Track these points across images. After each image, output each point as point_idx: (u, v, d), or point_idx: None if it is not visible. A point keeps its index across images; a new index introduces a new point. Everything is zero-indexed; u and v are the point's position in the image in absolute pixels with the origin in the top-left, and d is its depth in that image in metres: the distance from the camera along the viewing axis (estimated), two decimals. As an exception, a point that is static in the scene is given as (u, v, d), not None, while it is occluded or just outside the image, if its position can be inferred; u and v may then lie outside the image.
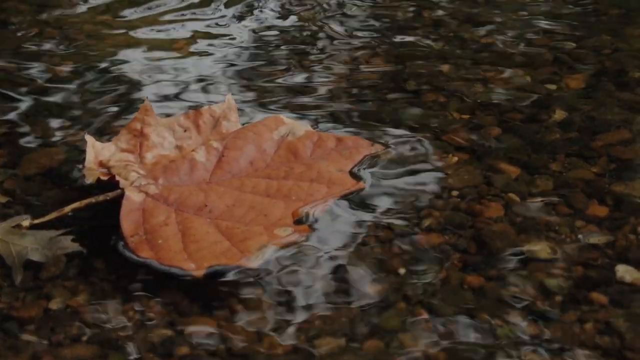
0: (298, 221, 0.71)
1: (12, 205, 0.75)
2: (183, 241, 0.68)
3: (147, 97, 0.87)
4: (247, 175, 0.76)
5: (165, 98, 0.92)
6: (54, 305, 0.64)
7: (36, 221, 0.72)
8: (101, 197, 0.73)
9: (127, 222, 0.70)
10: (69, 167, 0.80)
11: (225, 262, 0.66)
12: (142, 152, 0.79)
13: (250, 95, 0.92)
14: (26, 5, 1.18)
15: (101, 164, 0.77)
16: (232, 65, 0.99)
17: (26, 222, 0.72)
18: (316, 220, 0.72)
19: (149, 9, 1.16)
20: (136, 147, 0.79)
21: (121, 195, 0.72)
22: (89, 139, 0.79)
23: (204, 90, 0.94)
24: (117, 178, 0.74)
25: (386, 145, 0.81)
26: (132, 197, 0.72)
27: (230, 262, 0.66)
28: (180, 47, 1.04)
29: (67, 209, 0.72)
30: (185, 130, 0.81)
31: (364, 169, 0.78)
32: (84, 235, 0.70)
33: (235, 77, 0.97)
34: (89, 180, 0.76)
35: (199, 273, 0.65)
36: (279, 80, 0.95)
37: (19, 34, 1.09)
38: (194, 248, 0.67)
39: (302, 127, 0.81)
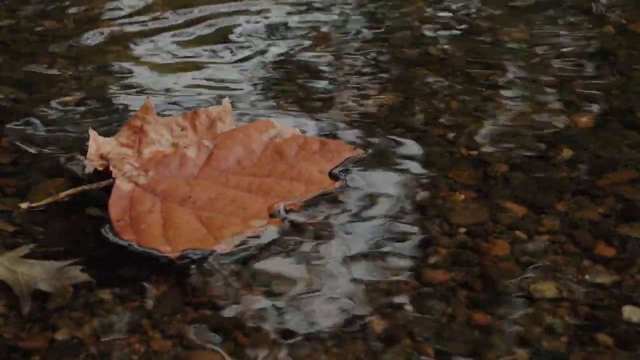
0: (273, 215, 0.76)
1: (19, 234, 0.75)
2: (164, 227, 0.74)
3: (148, 97, 0.92)
4: (233, 172, 0.81)
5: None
6: (60, 336, 0.64)
7: (33, 204, 0.77)
8: (94, 185, 0.80)
9: (115, 208, 0.75)
10: (78, 196, 0.80)
11: (200, 246, 0.71)
12: (140, 147, 0.84)
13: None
14: (36, 35, 1.19)
15: (101, 157, 0.83)
16: (238, 92, 1.00)
17: (24, 205, 0.77)
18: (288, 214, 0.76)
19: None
20: (135, 143, 0.84)
21: (113, 184, 0.78)
22: (92, 133, 0.85)
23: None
24: (111, 168, 0.80)
25: (366, 150, 0.86)
26: (122, 185, 0.78)
27: (204, 247, 0.71)
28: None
29: (63, 194, 0.79)
30: (182, 129, 0.86)
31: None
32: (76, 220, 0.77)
33: (239, 105, 0.97)
34: (88, 170, 0.82)
35: (174, 255, 0.70)
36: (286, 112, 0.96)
37: (29, 64, 1.10)
38: (173, 234, 0.73)
39: (290, 130, 0.86)
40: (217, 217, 0.75)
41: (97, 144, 0.84)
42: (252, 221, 0.75)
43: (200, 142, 0.83)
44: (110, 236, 0.73)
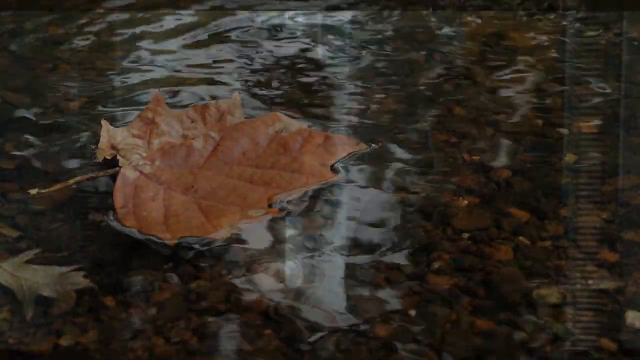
0: (273, 205, 0.78)
1: (22, 240, 0.75)
2: (165, 215, 0.76)
3: (158, 89, 0.95)
4: (237, 163, 0.83)
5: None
6: (64, 341, 0.64)
7: (43, 191, 0.79)
8: (101, 173, 0.82)
9: (119, 195, 0.78)
10: (80, 202, 0.80)
11: (198, 234, 0.74)
12: (151, 138, 0.86)
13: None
14: (40, 41, 1.19)
15: (112, 147, 0.85)
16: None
17: (34, 191, 0.79)
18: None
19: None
20: (146, 134, 0.86)
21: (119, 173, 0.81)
22: (104, 123, 0.87)
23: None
24: (118, 157, 0.82)
25: (370, 145, 0.87)
26: (127, 173, 0.80)
27: (201, 235, 0.73)
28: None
29: (71, 181, 0.81)
30: (192, 122, 0.88)
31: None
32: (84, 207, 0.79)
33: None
34: (98, 159, 0.85)
35: (172, 242, 0.72)
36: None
37: (33, 69, 1.10)
38: (173, 221, 0.75)
39: (297, 124, 0.88)
40: (217, 206, 0.77)
41: (109, 134, 0.86)
42: (250, 210, 0.76)
43: (207, 134, 0.85)
44: (114, 223, 0.75)
